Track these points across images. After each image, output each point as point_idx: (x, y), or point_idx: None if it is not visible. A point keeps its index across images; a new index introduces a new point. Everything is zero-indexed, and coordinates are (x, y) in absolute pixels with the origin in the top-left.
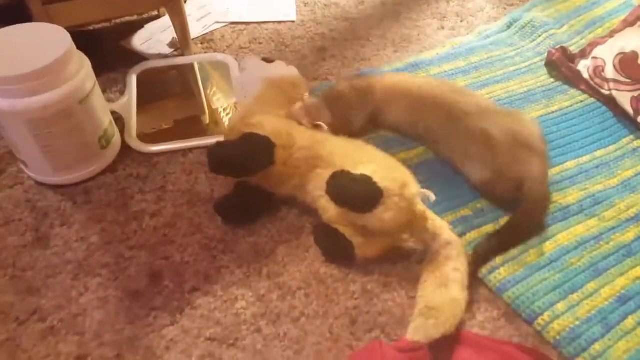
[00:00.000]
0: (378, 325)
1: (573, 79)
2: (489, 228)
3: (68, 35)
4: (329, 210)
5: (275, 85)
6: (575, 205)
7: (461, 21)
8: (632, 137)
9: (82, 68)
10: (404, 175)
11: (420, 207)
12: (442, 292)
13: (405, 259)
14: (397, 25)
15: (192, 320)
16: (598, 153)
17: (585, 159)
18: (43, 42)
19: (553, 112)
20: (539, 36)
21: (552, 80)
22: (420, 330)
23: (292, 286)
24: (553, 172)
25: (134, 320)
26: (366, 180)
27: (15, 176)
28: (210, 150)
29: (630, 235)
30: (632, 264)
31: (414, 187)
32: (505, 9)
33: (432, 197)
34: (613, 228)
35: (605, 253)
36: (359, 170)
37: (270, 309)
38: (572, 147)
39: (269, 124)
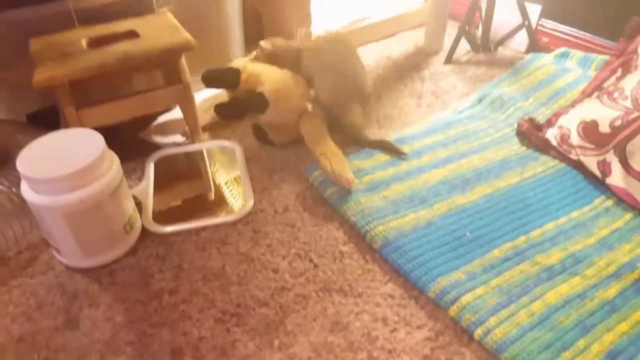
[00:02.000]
0: None
1: (543, 147)
2: (481, 290)
3: (102, 138)
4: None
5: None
6: (558, 264)
7: (436, 99)
8: (603, 197)
9: (112, 164)
10: (289, 93)
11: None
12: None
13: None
14: (379, 105)
15: None
16: (574, 214)
17: (562, 220)
18: (81, 144)
19: (528, 177)
20: (508, 109)
21: (524, 148)
22: None
23: (302, 357)
24: (535, 234)
25: None
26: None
27: (47, 262)
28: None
29: (612, 291)
30: (617, 319)
31: (292, 100)
32: (475, 85)
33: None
34: (595, 285)
35: (591, 310)
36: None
37: None
38: (549, 209)
39: (247, 65)
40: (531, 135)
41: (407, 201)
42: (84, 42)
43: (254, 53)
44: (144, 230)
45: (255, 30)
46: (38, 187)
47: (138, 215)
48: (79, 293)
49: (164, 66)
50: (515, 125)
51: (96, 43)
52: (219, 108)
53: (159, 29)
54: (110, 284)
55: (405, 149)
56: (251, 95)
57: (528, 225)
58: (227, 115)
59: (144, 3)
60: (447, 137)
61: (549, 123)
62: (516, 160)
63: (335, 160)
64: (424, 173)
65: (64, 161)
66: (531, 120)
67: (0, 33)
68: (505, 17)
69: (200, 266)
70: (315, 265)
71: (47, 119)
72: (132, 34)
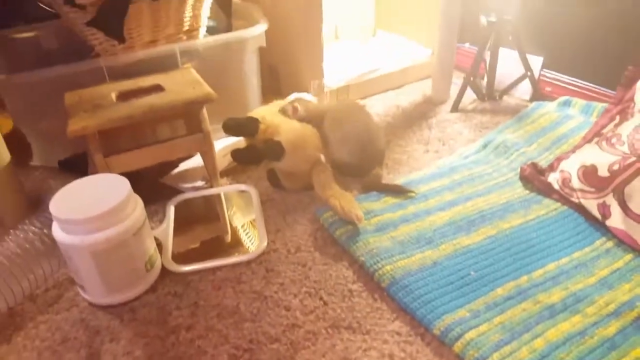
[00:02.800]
0: None
1: (545, 190)
2: (485, 327)
3: (127, 183)
4: (276, 164)
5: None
6: (559, 303)
7: (443, 145)
8: (604, 239)
9: (136, 207)
10: (305, 144)
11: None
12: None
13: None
14: (388, 151)
15: None
16: (575, 255)
17: (564, 260)
18: (108, 188)
19: (531, 219)
20: (512, 154)
21: (527, 191)
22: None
23: None
24: (537, 274)
25: None
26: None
27: (72, 299)
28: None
29: (612, 329)
30: (617, 356)
31: (307, 150)
32: (480, 132)
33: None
34: (596, 323)
35: (591, 347)
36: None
37: None
38: (551, 250)
39: (265, 116)
40: (534, 179)
41: (414, 242)
42: (113, 96)
43: (283, 107)
44: (163, 269)
45: (270, 81)
46: (68, 228)
47: (158, 255)
48: (101, 328)
49: (187, 116)
50: (519, 170)
51: (125, 96)
52: (236, 153)
53: (183, 83)
54: (131, 320)
55: (411, 193)
56: (269, 143)
57: (531, 265)
58: (243, 161)
59: (169, 60)
60: (453, 181)
61: (551, 167)
62: (519, 203)
63: (344, 199)
64: (430, 215)
65: (93, 204)
66: (534, 165)
67: (38, 87)
68: (508, 68)
69: (216, 304)
70: (325, 303)
71: (76, 165)
72: (158, 88)
